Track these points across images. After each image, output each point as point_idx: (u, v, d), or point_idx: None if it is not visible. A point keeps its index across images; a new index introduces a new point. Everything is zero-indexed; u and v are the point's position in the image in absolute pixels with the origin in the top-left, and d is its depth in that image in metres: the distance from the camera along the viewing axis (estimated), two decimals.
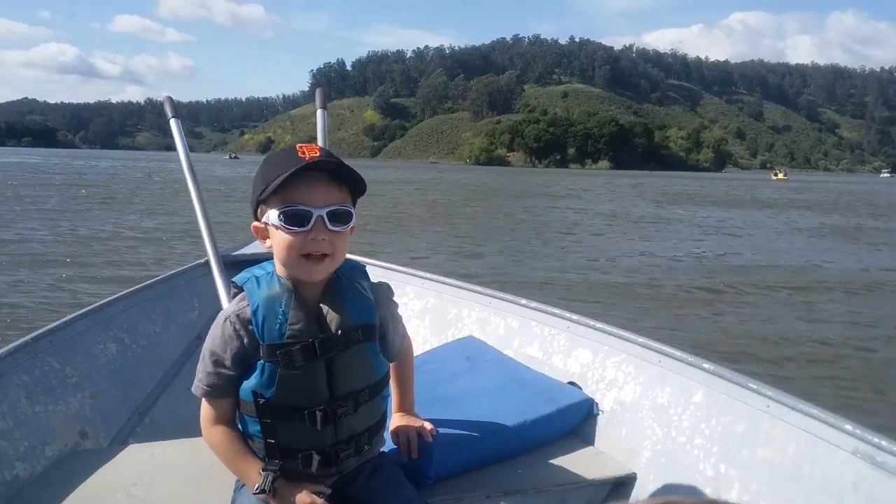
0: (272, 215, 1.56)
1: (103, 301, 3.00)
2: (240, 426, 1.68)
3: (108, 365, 2.82)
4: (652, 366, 2.41)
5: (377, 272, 1.66)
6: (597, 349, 2.64)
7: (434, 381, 2.46)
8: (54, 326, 2.63)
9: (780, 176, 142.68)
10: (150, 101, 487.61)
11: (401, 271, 3.67)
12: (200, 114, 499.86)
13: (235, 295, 1.68)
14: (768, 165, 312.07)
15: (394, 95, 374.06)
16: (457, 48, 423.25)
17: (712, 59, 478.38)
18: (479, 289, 3.31)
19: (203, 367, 1.63)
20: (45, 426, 2.37)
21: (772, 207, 35.78)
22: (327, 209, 1.56)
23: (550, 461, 2.23)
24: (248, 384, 1.60)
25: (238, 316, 1.60)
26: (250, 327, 1.59)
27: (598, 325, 2.68)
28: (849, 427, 1.78)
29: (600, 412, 2.46)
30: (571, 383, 2.58)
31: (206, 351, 1.64)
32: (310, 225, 1.55)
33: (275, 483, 1.61)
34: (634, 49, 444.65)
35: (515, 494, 2.08)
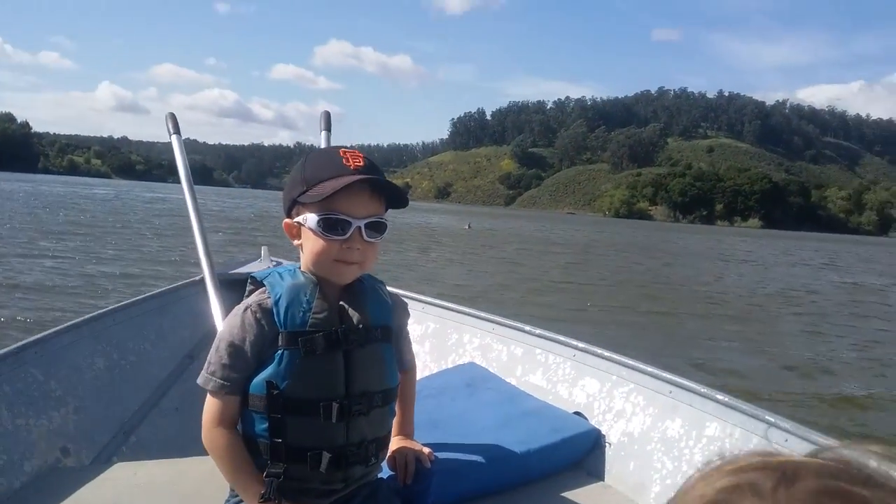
0: (310, 219, 1.56)
1: (93, 314, 2.93)
2: (241, 430, 1.61)
3: (95, 380, 2.73)
4: (662, 396, 2.34)
5: None
6: (604, 378, 2.56)
7: (433, 406, 2.39)
8: (41, 337, 2.57)
9: None
10: (298, 145, 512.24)
11: (400, 294, 3.52)
12: None
13: (251, 292, 1.66)
14: None
15: (532, 145, 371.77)
16: (598, 99, 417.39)
17: (874, 117, 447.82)
18: (481, 314, 3.23)
19: (217, 360, 1.57)
20: (24, 440, 2.29)
21: None
22: (366, 220, 1.56)
23: (554, 493, 2.14)
24: (262, 375, 1.55)
25: (259, 305, 1.58)
26: (271, 317, 1.57)
27: (606, 353, 2.61)
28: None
29: (607, 444, 2.37)
30: (577, 413, 2.50)
31: (220, 342, 1.59)
32: (348, 234, 1.55)
33: (279, 491, 1.54)
34: (788, 104, 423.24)
35: None
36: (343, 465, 1.60)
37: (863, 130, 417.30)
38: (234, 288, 3.00)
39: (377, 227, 1.59)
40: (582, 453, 2.36)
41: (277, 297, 1.58)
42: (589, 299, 15.10)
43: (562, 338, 2.80)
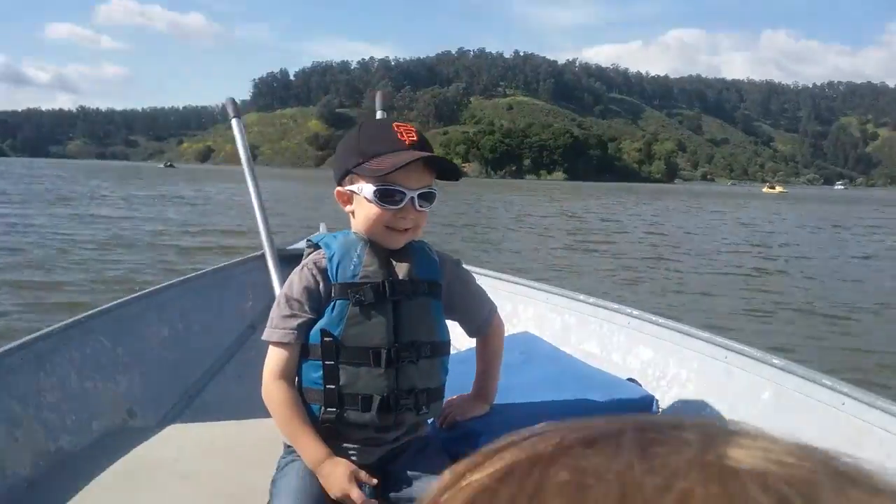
0: (366, 188, 1.65)
1: (158, 286, 3.07)
2: (298, 384, 1.71)
3: (160, 347, 2.87)
4: (717, 362, 2.34)
5: None
6: (658, 346, 2.59)
7: None
8: (108, 307, 2.69)
9: (779, 189, 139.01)
10: (82, 109, 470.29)
11: None
12: (135, 122, 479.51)
13: (309, 255, 1.80)
14: (708, 177, 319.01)
15: (339, 105, 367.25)
16: (402, 60, 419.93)
17: (653, 74, 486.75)
18: (535, 284, 3.28)
19: (277, 314, 1.70)
20: (93, 402, 2.41)
21: None
22: (419, 191, 1.65)
23: None
24: (318, 325, 1.67)
25: (315, 263, 1.71)
26: (326, 273, 1.69)
27: (660, 320, 2.63)
28: None
29: (660, 410, 2.35)
30: (631, 380, 2.51)
31: (281, 298, 1.72)
32: (402, 205, 1.65)
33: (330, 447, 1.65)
34: (577, 63, 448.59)
35: None
36: (394, 409, 1.68)
37: (643, 86, 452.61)
38: (293, 262, 3.30)
39: (428, 197, 1.69)
40: None
41: (332, 254, 1.70)
42: None
43: (616, 306, 2.83)
